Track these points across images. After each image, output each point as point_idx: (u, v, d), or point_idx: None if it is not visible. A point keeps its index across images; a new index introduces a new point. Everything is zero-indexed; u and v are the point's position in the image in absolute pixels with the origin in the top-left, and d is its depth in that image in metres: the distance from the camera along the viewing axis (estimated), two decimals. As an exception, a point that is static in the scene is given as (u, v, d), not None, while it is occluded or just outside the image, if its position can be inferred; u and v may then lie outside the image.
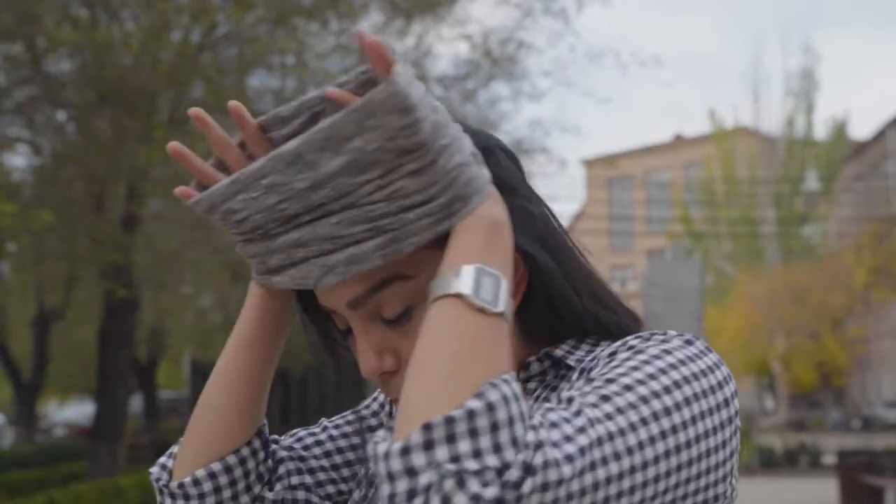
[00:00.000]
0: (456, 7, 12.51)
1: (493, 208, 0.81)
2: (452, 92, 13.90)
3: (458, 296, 0.74)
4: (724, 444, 0.79)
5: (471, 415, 0.67)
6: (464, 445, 0.67)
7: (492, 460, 0.66)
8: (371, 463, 0.71)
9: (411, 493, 0.67)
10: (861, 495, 11.52)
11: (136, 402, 21.22)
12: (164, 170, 9.20)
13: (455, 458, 0.66)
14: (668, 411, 0.76)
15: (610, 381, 0.77)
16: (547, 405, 0.75)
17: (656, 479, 0.74)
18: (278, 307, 0.96)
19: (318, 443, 1.07)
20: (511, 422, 0.68)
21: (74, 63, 9.73)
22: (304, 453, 1.05)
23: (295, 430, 1.09)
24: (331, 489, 1.04)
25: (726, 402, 0.80)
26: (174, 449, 0.99)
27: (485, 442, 0.67)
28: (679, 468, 0.75)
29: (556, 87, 27.71)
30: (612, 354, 0.82)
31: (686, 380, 0.78)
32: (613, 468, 0.71)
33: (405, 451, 0.67)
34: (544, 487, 0.67)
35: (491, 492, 0.65)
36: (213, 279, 14.85)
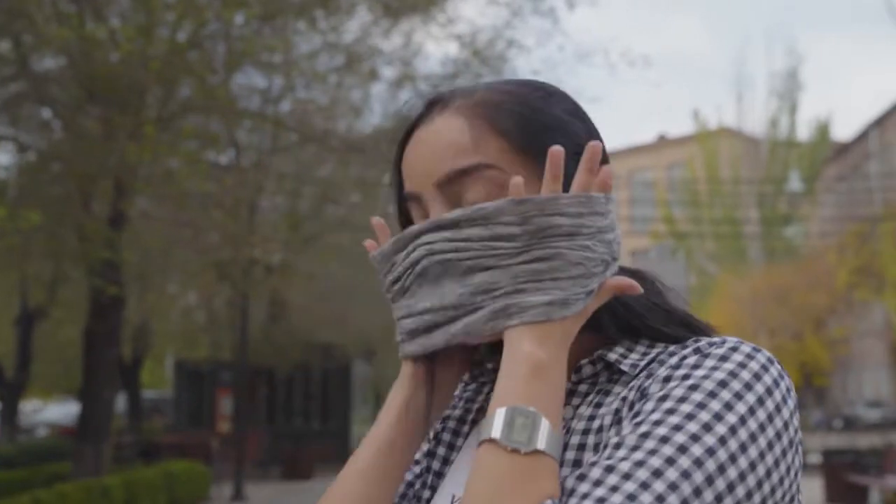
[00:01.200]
0: (447, 6, 12.49)
1: (539, 349, 0.82)
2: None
3: (491, 440, 0.77)
4: (787, 470, 0.79)
5: None
6: None
7: None
8: None
9: None
10: (846, 493, 11.64)
11: (119, 402, 21.09)
12: (152, 167, 9.15)
13: None
14: (732, 458, 0.75)
15: (658, 422, 0.77)
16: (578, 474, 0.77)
17: None
18: (420, 403, 0.95)
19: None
20: None
21: (62, 60, 9.66)
22: None
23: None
24: None
25: (786, 426, 0.79)
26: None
27: None
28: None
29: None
30: (667, 380, 0.81)
31: (742, 420, 0.77)
32: None
33: None
34: None
35: None
36: (199, 278, 14.79)
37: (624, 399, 0.85)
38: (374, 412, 28.46)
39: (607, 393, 0.89)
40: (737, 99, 41.40)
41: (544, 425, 0.77)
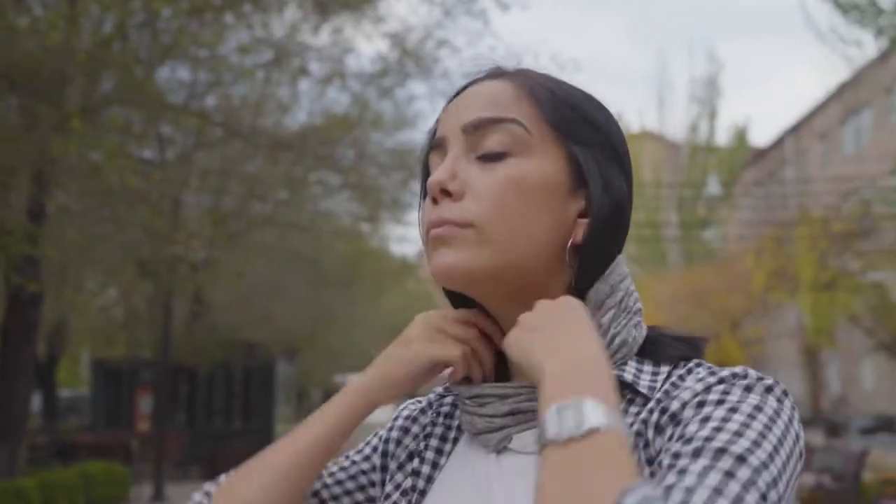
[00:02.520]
0: (378, 4, 12.45)
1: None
2: (369, 89, 13.84)
3: (547, 443, 0.76)
4: (793, 487, 0.81)
5: None
6: None
7: None
8: None
9: None
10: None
11: (34, 401, 20.54)
12: (77, 160, 8.93)
13: None
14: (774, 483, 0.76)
15: (721, 450, 0.77)
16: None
17: None
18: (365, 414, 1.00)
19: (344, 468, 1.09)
20: None
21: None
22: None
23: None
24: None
25: (801, 453, 0.82)
26: (222, 479, 1.03)
27: None
28: None
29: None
30: (701, 405, 0.82)
31: (776, 448, 0.79)
32: None
33: None
34: None
35: None
36: (121, 275, 14.49)
37: (645, 422, 0.86)
38: (296, 412, 28.20)
39: (624, 412, 0.89)
40: (658, 103, 42.12)
41: (589, 405, 0.75)
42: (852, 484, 9.72)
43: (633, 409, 0.88)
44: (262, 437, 19.92)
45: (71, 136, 7.96)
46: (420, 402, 1.10)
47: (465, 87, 0.98)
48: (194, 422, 19.73)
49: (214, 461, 17.11)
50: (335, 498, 1.06)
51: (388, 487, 1.03)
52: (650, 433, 0.84)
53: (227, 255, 14.48)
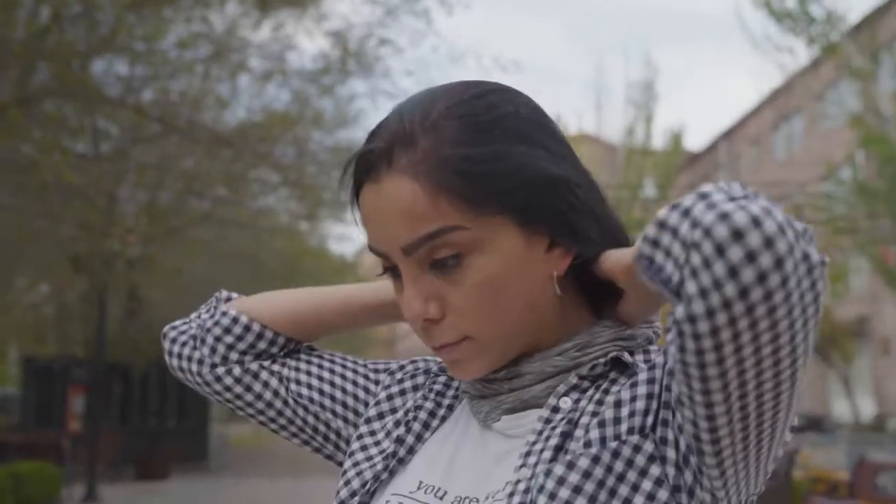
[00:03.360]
0: (321, 2, 12.38)
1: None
2: (310, 86, 13.76)
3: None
4: None
5: None
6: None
7: None
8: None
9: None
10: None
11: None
12: (11, 154, 8.74)
13: None
14: None
15: None
16: None
17: None
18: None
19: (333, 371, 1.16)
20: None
21: None
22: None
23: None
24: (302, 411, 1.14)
25: None
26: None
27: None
28: None
29: (418, 87, 27.65)
30: None
31: None
32: None
33: None
34: None
35: None
36: (54, 271, 14.20)
37: (633, 385, 0.90)
38: (230, 411, 27.90)
39: (607, 391, 0.92)
40: (596, 106, 42.56)
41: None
42: (783, 482, 9.93)
43: (616, 389, 0.92)
44: (196, 437, 19.70)
45: (5, 127, 7.78)
46: (428, 361, 1.14)
47: (362, 181, 0.93)
48: (128, 421, 19.42)
49: (149, 461, 16.87)
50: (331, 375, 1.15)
51: (363, 429, 1.08)
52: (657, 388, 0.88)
53: (164, 252, 14.28)
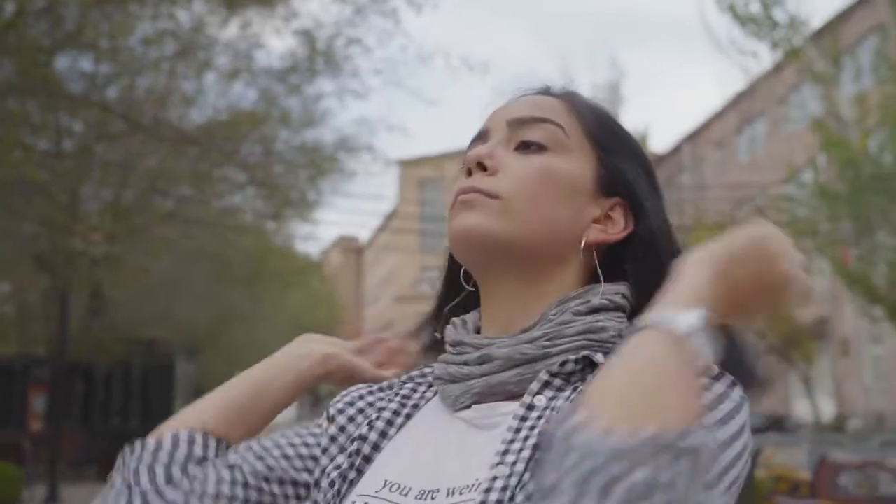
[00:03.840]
0: (290, 0, 12.34)
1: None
2: (277, 85, 13.71)
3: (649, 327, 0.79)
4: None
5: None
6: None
7: None
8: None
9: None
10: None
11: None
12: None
13: None
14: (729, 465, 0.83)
15: None
16: None
17: None
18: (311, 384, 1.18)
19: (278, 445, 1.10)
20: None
21: None
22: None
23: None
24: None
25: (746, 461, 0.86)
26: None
27: None
28: None
29: (386, 86, 27.67)
30: None
31: (735, 437, 0.84)
32: None
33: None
34: None
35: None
36: (15, 269, 14.02)
37: None
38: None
39: (583, 392, 0.90)
40: (562, 108, 42.65)
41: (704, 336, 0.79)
42: (747, 481, 10.00)
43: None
44: (160, 437, 19.52)
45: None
46: (370, 386, 1.11)
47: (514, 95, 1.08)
48: (90, 421, 19.21)
49: (111, 461, 16.49)
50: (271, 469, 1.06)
51: (325, 462, 1.05)
52: None
53: (128, 250, 14.15)
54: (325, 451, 1.06)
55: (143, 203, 14.27)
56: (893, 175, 18.50)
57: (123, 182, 13.76)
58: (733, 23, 20.46)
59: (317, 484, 1.03)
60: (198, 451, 1.06)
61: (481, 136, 1.04)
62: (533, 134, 1.00)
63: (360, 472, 0.99)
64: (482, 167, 0.99)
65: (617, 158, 1.03)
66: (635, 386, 0.73)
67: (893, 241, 18.93)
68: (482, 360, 0.96)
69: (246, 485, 1.04)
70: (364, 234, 64.55)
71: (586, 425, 0.70)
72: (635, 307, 0.97)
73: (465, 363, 0.97)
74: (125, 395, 19.86)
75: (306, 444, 1.08)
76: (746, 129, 36.16)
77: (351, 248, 71.16)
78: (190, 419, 1.09)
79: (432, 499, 0.89)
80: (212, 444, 1.07)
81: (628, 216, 1.02)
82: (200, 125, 13.85)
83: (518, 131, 1.01)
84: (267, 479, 1.05)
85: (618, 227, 1.01)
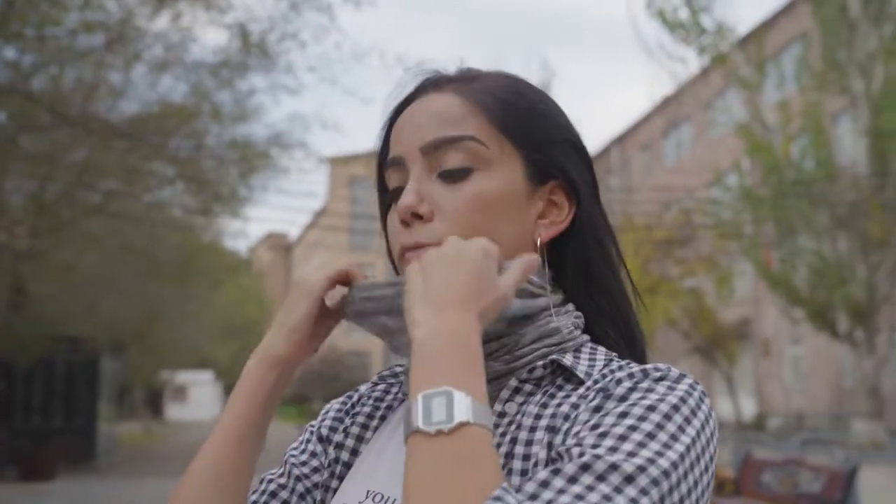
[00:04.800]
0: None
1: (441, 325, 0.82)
2: (209, 79, 13.53)
3: (415, 431, 0.76)
4: (708, 485, 0.84)
5: None
6: None
7: None
8: None
9: None
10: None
11: None
12: None
13: None
14: (685, 474, 0.80)
15: (603, 435, 0.80)
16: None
17: None
18: (270, 387, 0.97)
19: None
20: None
21: None
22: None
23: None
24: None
25: (714, 451, 0.85)
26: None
27: None
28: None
29: (320, 83, 27.47)
30: (623, 399, 0.85)
31: (693, 442, 0.82)
32: None
33: None
34: None
35: None
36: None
37: (575, 406, 0.89)
38: (118, 409, 27.18)
39: (553, 396, 0.92)
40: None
41: (459, 397, 0.76)
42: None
43: (563, 393, 0.92)
44: (84, 437, 19.11)
45: None
46: (345, 397, 1.12)
47: (409, 98, 1.02)
48: (11, 419, 18.73)
49: (33, 461, 16.31)
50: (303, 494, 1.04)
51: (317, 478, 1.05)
52: (583, 415, 0.86)
53: (53, 245, 13.82)
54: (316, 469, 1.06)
55: (69, 197, 13.96)
56: (815, 180, 19.01)
57: (49, 175, 13.45)
58: (662, 28, 20.83)
59: (303, 497, 1.03)
60: None
61: (395, 164, 0.99)
62: (452, 160, 0.95)
63: (341, 479, 1.00)
64: (417, 216, 0.95)
65: (540, 145, 0.98)
66: None
67: (815, 245, 19.44)
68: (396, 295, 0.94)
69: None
70: (294, 232, 64.12)
71: None
72: (583, 285, 1.00)
73: (382, 296, 0.95)
74: (47, 392, 19.40)
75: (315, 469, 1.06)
76: (673, 133, 36.76)
77: (280, 245, 70.53)
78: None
79: None
80: None
81: (569, 194, 1.00)
82: (129, 118, 13.60)
83: (435, 157, 0.96)
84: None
85: (563, 211, 1.00)
